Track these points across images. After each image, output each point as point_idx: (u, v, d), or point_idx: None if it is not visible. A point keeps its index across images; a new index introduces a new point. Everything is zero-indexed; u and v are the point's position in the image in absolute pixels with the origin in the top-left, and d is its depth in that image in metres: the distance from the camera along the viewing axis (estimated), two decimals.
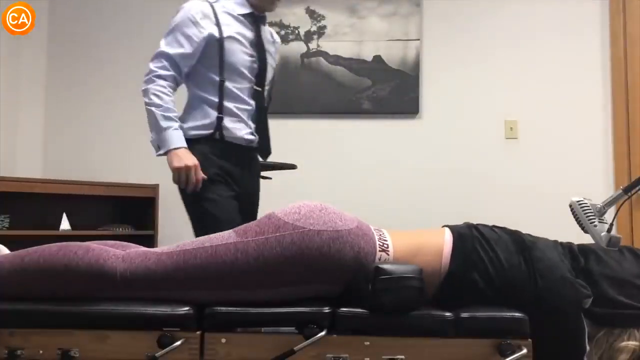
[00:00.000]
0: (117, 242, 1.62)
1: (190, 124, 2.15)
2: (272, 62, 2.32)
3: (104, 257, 1.41)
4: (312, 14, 3.78)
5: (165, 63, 2.11)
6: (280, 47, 2.48)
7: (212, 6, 2.17)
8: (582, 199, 1.52)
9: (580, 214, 1.50)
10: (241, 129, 2.18)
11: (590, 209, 1.49)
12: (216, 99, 2.14)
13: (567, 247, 1.53)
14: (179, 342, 1.33)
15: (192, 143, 2.11)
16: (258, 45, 2.22)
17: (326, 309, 1.36)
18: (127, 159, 3.89)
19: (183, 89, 2.24)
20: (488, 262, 1.43)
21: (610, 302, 1.42)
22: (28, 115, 3.90)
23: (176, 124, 2.08)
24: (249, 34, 2.21)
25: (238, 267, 1.38)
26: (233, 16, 2.19)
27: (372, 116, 3.70)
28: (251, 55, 2.20)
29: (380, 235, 1.47)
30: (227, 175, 2.14)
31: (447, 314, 1.35)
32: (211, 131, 2.14)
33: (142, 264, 1.40)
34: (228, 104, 2.14)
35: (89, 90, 3.98)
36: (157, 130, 2.08)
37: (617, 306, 1.42)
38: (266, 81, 2.27)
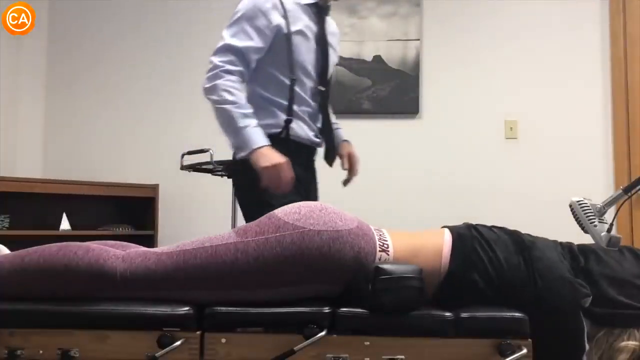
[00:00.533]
0: (117, 242, 1.61)
1: None
2: (334, 59, 2.14)
3: (104, 257, 1.41)
4: None
5: (233, 57, 1.89)
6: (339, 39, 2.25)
7: None
8: (582, 199, 1.52)
9: (580, 214, 1.50)
10: (307, 131, 2.04)
11: (590, 209, 1.49)
12: (284, 102, 1.97)
13: (567, 247, 1.53)
14: (179, 342, 1.33)
15: None
16: (322, 39, 2.03)
17: (326, 309, 1.35)
18: (127, 159, 3.90)
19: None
20: (487, 262, 1.43)
21: (610, 302, 1.42)
22: (28, 115, 3.91)
23: (254, 122, 1.86)
24: (314, 26, 2.01)
25: (238, 267, 1.38)
26: (299, 5, 1.99)
27: (372, 116, 3.70)
28: (315, 51, 2.01)
29: (380, 235, 1.47)
30: (296, 179, 1.96)
31: (447, 314, 1.35)
32: (279, 130, 1.98)
33: (142, 264, 1.40)
34: (294, 107, 1.99)
35: (89, 90, 3.98)
36: (235, 131, 1.86)
37: (617, 306, 1.42)
38: (328, 78, 2.09)
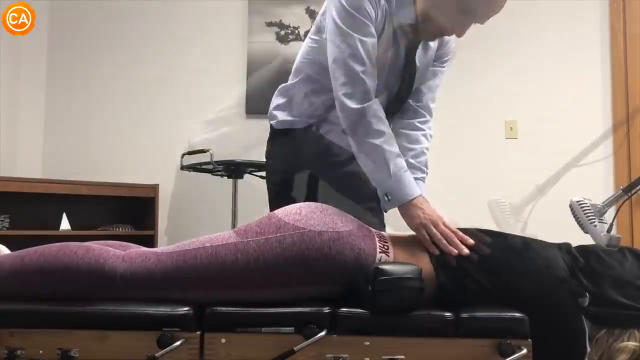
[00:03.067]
0: (117, 242, 1.61)
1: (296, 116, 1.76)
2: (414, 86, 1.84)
3: (104, 257, 1.41)
4: (312, 14, 3.78)
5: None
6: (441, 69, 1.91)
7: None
8: (582, 199, 1.53)
9: (580, 214, 1.50)
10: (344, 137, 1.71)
11: (590, 209, 1.49)
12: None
13: (565, 248, 1.53)
14: (178, 342, 1.33)
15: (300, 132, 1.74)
16: (405, 71, 1.76)
17: (326, 309, 1.35)
18: (127, 159, 3.89)
19: None
20: (473, 265, 1.42)
21: (611, 303, 1.42)
22: (28, 115, 3.91)
23: (405, 164, 1.58)
24: (402, 55, 1.71)
25: (238, 268, 1.38)
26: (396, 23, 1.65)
27: None
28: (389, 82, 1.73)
29: (380, 236, 1.47)
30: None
31: (447, 314, 1.35)
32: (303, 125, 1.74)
33: (142, 264, 1.40)
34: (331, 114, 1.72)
35: (89, 90, 3.98)
36: (383, 173, 1.54)
37: (618, 307, 1.42)
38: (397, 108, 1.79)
